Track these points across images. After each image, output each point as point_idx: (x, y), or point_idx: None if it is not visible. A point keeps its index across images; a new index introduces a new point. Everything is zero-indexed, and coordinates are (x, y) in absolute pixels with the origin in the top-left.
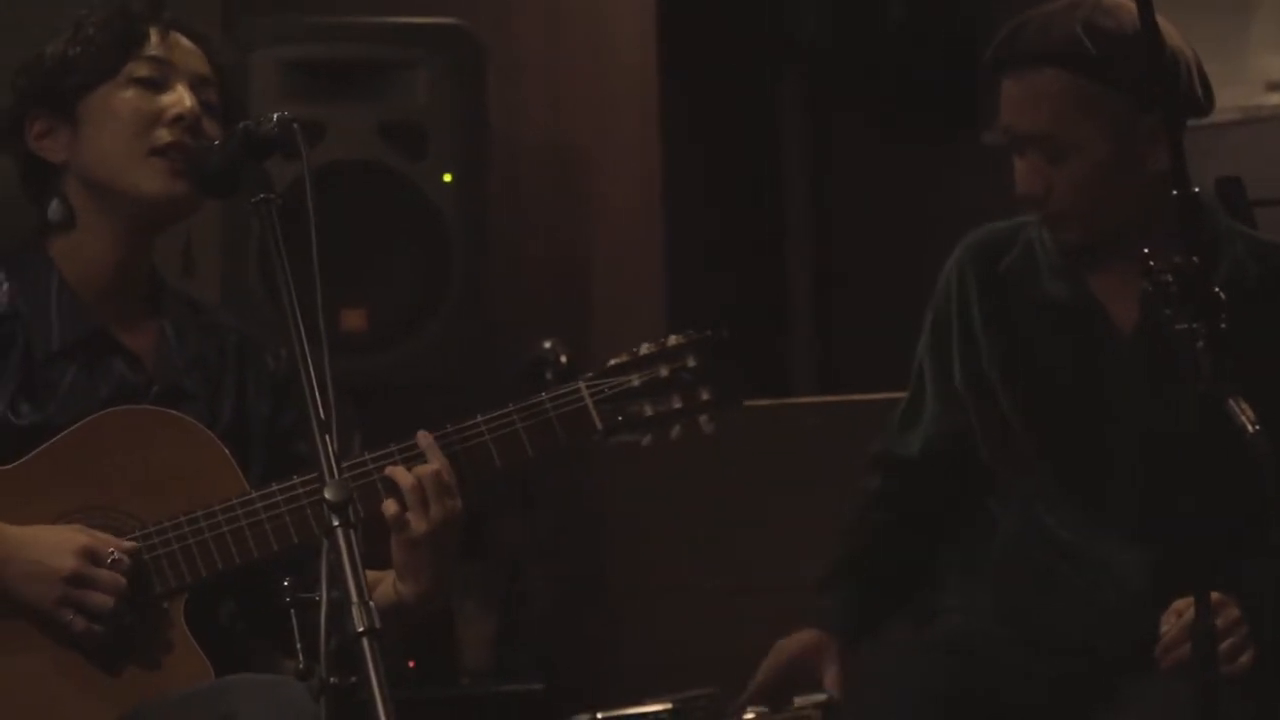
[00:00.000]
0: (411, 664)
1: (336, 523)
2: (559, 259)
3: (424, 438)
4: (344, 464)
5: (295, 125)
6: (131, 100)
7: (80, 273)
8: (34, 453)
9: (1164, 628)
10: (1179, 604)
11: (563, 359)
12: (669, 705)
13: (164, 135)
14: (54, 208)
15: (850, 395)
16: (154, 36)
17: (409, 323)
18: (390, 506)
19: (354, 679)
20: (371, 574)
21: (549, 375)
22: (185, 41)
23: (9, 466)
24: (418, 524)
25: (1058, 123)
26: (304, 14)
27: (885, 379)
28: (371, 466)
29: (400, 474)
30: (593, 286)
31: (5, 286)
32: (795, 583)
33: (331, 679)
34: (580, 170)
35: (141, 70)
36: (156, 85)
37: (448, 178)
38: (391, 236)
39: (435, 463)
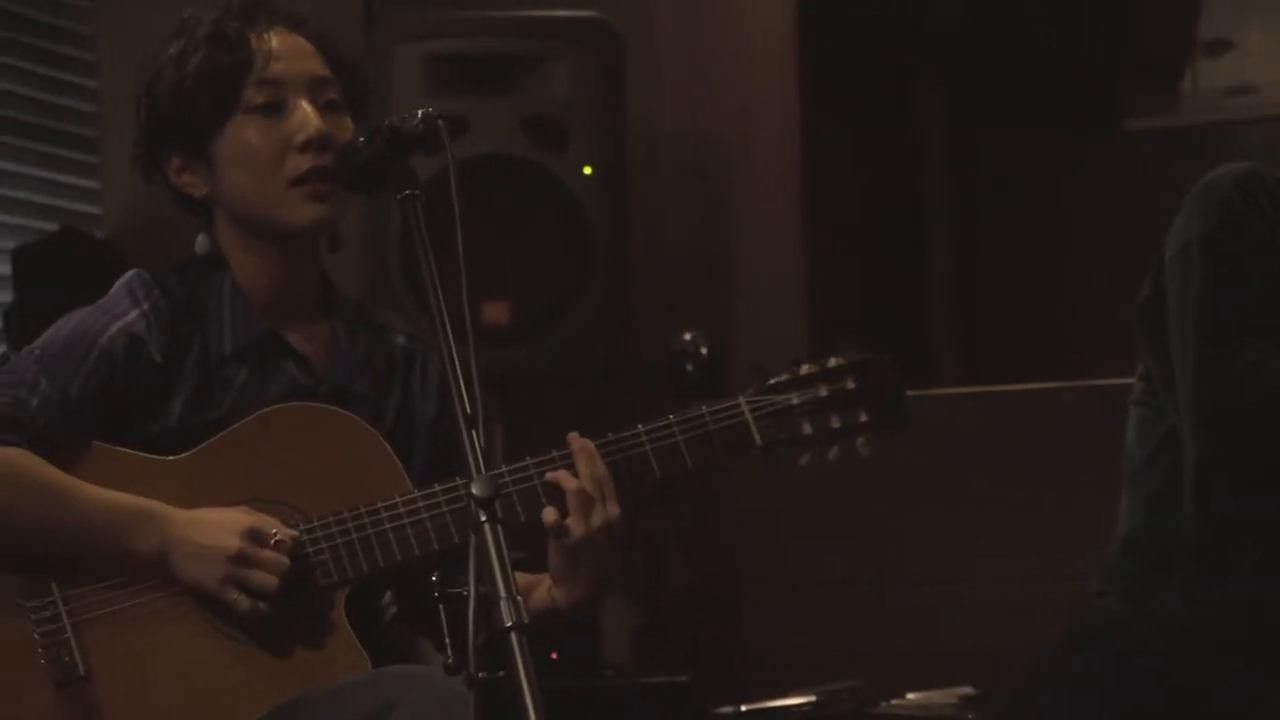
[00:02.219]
0: (554, 656)
1: (484, 518)
2: (699, 250)
3: (581, 443)
4: (506, 467)
5: (440, 122)
6: (257, 134)
7: (250, 283)
8: (203, 445)
9: None
10: None
11: (703, 350)
12: (812, 698)
13: (298, 164)
14: (200, 243)
15: (993, 386)
16: (259, 52)
17: (550, 315)
18: (550, 513)
19: (502, 673)
20: (525, 578)
21: (689, 367)
22: (291, 41)
23: (179, 457)
24: (577, 529)
25: None
26: (446, 8)
27: (1027, 369)
28: (533, 470)
29: (564, 478)
30: (733, 277)
31: (182, 293)
32: (938, 575)
33: (480, 673)
34: (719, 161)
35: (258, 98)
36: (277, 108)
37: (588, 170)
38: (533, 229)
39: (595, 469)
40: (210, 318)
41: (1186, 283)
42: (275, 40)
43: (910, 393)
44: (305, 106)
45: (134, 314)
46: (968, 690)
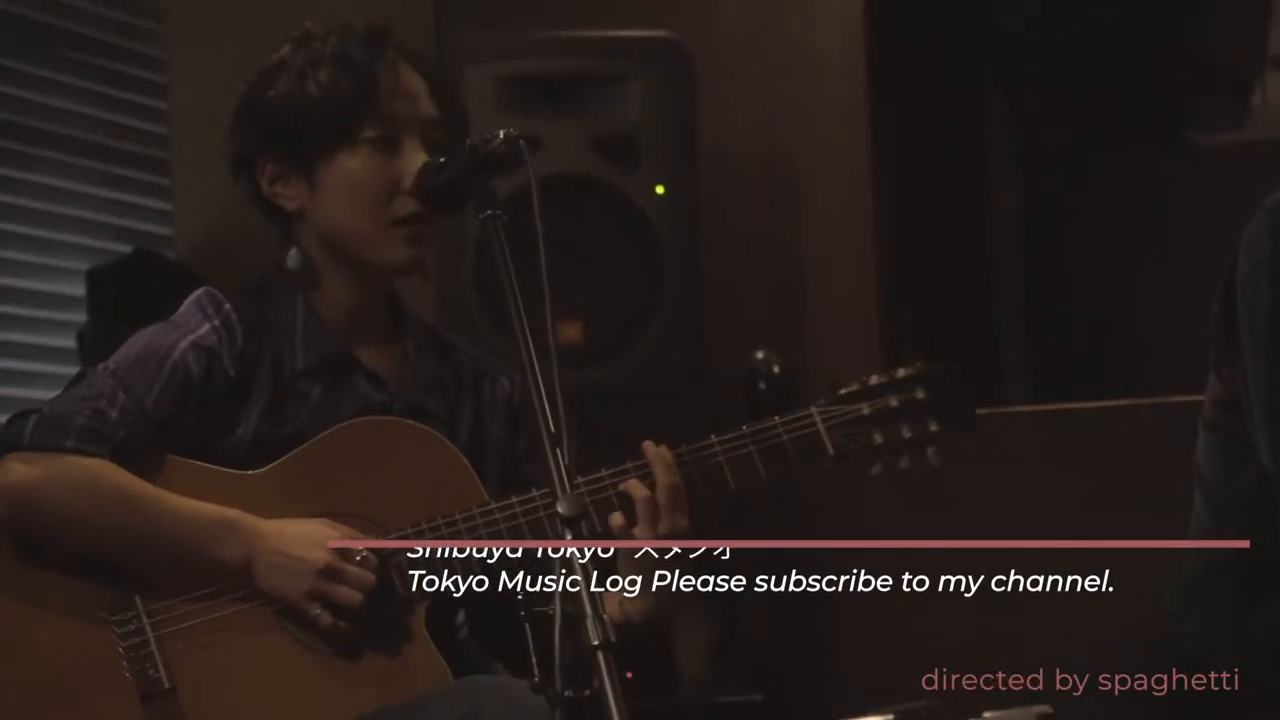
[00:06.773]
0: (629, 675)
1: (570, 537)
2: (770, 268)
3: (656, 451)
4: (581, 479)
5: (522, 142)
6: (368, 170)
7: (321, 304)
8: (281, 460)
9: None
10: None
11: (775, 369)
12: (889, 717)
13: (403, 206)
14: (293, 257)
15: (1064, 404)
16: (384, 87)
17: (623, 334)
18: (617, 519)
19: (588, 692)
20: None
21: (762, 385)
22: (411, 79)
23: (258, 471)
24: (646, 537)
25: None
26: (516, 29)
27: (1099, 386)
28: (608, 482)
29: (634, 487)
30: (804, 295)
31: (252, 309)
32: (1009, 593)
33: (566, 692)
34: (790, 178)
35: (374, 131)
36: (390, 145)
37: (660, 189)
38: (605, 249)
39: (670, 477)
40: (282, 334)
41: (1258, 303)
42: (399, 76)
43: (982, 410)
44: (418, 148)
45: (205, 328)
46: (1045, 709)
